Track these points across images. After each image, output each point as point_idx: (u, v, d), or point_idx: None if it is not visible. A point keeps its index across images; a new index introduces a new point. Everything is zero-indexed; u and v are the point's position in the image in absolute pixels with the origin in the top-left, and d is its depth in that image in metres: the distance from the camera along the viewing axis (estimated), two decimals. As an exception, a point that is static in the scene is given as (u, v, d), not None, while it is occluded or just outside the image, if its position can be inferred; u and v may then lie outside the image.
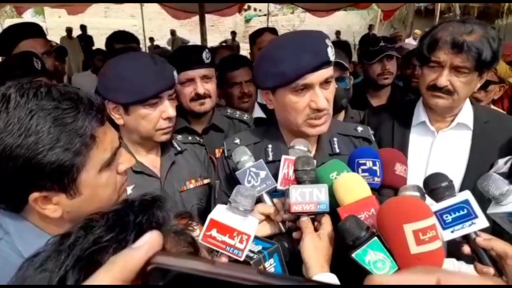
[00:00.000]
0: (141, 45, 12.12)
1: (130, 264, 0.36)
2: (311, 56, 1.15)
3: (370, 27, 12.90)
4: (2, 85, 0.82)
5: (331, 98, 1.24)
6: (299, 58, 1.15)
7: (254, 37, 3.27)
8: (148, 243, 0.38)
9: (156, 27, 13.11)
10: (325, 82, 1.20)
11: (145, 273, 0.37)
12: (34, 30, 2.45)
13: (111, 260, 0.37)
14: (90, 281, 0.36)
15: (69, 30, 11.02)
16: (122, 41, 3.05)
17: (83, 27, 11.83)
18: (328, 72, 1.20)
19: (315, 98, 1.19)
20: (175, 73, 1.46)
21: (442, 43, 1.42)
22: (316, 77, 1.17)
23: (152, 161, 1.55)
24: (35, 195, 0.80)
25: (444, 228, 1.00)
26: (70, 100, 0.81)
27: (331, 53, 1.18)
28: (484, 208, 1.03)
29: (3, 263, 0.82)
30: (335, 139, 1.35)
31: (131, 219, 0.48)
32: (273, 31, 3.29)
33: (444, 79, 1.43)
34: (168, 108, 1.42)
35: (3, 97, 0.78)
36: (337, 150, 1.33)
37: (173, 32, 13.32)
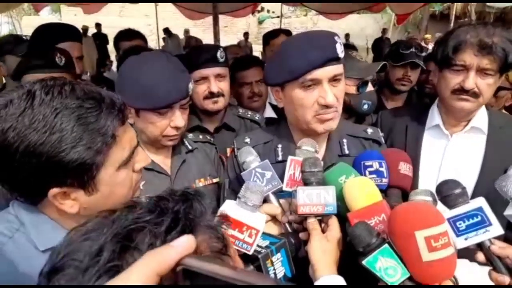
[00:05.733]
0: (155, 44, 12.28)
1: (166, 261, 0.40)
2: (318, 51, 1.15)
3: (384, 30, 12.78)
4: (22, 73, 0.83)
5: (341, 96, 1.24)
6: (306, 53, 1.16)
7: (268, 38, 3.26)
8: (184, 244, 0.42)
9: (170, 26, 13.19)
10: (334, 80, 1.20)
11: (175, 272, 0.40)
12: (74, 34, 2.49)
13: (149, 253, 0.41)
14: (127, 272, 0.39)
15: (84, 29, 11.18)
16: (127, 38, 3.10)
17: (98, 25, 11.97)
18: (337, 69, 1.19)
19: (323, 94, 1.18)
20: (190, 84, 1.44)
21: (468, 46, 1.39)
22: (323, 72, 1.17)
23: (163, 158, 1.56)
24: (54, 190, 0.81)
25: (457, 236, 0.98)
26: (93, 99, 0.82)
27: (339, 50, 1.18)
28: (496, 212, 1.00)
29: (19, 253, 0.84)
30: (344, 140, 1.35)
31: (170, 206, 0.51)
32: (288, 33, 3.27)
33: (472, 81, 1.40)
34: (177, 118, 1.42)
35: (28, 94, 0.79)
36: (347, 152, 1.32)
37: (187, 31, 13.41)
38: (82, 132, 0.79)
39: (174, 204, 0.52)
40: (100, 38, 10.94)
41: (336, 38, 1.20)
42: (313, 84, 1.19)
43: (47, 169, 0.78)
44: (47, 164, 0.77)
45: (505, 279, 0.93)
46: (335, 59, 1.18)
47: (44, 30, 2.42)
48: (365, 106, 1.85)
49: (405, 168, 1.15)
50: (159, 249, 0.41)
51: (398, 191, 1.13)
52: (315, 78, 1.17)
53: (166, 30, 12.82)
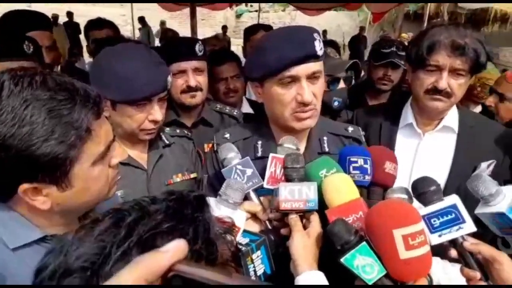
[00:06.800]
0: (130, 35, 11.99)
1: (155, 267, 0.38)
2: (295, 48, 1.15)
3: (361, 29, 12.96)
4: None
5: (319, 94, 1.24)
6: (283, 48, 1.15)
7: (248, 34, 3.24)
8: (174, 249, 0.40)
9: (146, 17, 12.90)
10: (313, 77, 1.20)
11: (166, 278, 0.39)
12: (43, 22, 2.39)
13: (137, 260, 0.39)
14: (116, 277, 0.38)
15: (54, 17, 10.76)
16: (97, 27, 3.04)
17: (69, 14, 11.55)
18: (315, 66, 1.19)
19: (301, 91, 1.18)
20: (169, 77, 1.42)
21: (441, 46, 1.43)
22: (301, 69, 1.17)
23: (139, 153, 1.53)
24: (25, 186, 0.78)
25: (431, 232, 1.00)
26: (66, 91, 0.78)
27: (318, 47, 1.17)
28: (467, 208, 1.03)
29: None
30: (325, 138, 1.36)
31: (188, 212, 0.51)
32: (268, 29, 3.26)
33: (445, 82, 1.44)
34: (156, 112, 1.40)
35: None
36: (326, 149, 1.33)
37: (163, 23, 13.15)
38: (54, 125, 0.76)
39: (192, 210, 0.51)
40: (71, 27, 10.56)
41: (315, 35, 1.19)
42: (291, 81, 1.19)
43: (16, 164, 0.75)
44: (17, 158, 0.74)
45: (476, 275, 0.96)
46: (314, 56, 1.18)
47: (12, 18, 2.31)
48: (336, 103, 1.87)
49: (390, 167, 1.16)
50: (148, 255, 0.40)
51: (380, 189, 1.14)
52: (293, 75, 1.17)
53: (141, 19, 12.51)
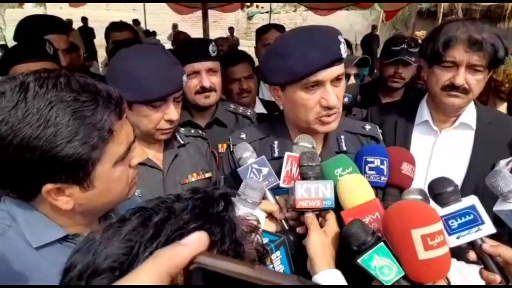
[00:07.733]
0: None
1: (177, 260, 0.38)
2: (322, 52, 1.11)
3: (373, 27, 12.84)
4: (10, 65, 0.80)
5: (342, 95, 1.22)
6: (309, 54, 1.11)
7: (260, 33, 3.23)
8: (196, 242, 0.40)
9: (158, 21, 13.06)
10: (336, 80, 1.17)
11: (188, 271, 0.38)
12: (60, 26, 2.45)
13: (158, 253, 0.39)
14: (136, 272, 0.37)
15: (69, 23, 10.97)
16: (117, 29, 3.15)
17: (84, 19, 11.75)
18: (339, 69, 1.17)
19: (326, 96, 1.16)
20: (184, 77, 1.43)
21: (458, 42, 1.40)
22: (327, 74, 1.14)
23: (155, 153, 1.55)
24: (48, 186, 0.79)
25: (450, 234, 0.97)
26: (89, 93, 0.79)
27: (343, 49, 1.15)
28: (485, 207, 1.00)
29: (11, 251, 0.82)
30: (342, 136, 1.34)
31: (214, 211, 0.50)
32: (279, 28, 3.26)
33: (462, 78, 1.41)
34: (171, 112, 1.41)
35: (21, 86, 0.76)
36: (344, 148, 1.31)
37: (175, 26, 13.26)
38: (78, 126, 0.77)
39: (217, 209, 0.51)
40: (86, 32, 10.75)
41: (340, 37, 1.16)
42: (316, 85, 1.16)
43: (41, 164, 0.76)
44: (41, 159, 0.75)
45: (496, 278, 0.94)
46: (339, 60, 1.15)
47: (30, 22, 2.37)
48: (346, 99, 1.86)
49: (407, 168, 1.13)
50: (169, 247, 0.39)
51: (397, 191, 1.11)
52: (319, 80, 1.14)
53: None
